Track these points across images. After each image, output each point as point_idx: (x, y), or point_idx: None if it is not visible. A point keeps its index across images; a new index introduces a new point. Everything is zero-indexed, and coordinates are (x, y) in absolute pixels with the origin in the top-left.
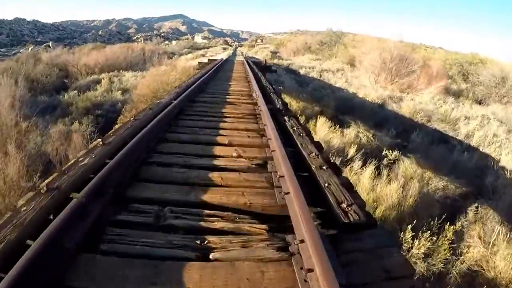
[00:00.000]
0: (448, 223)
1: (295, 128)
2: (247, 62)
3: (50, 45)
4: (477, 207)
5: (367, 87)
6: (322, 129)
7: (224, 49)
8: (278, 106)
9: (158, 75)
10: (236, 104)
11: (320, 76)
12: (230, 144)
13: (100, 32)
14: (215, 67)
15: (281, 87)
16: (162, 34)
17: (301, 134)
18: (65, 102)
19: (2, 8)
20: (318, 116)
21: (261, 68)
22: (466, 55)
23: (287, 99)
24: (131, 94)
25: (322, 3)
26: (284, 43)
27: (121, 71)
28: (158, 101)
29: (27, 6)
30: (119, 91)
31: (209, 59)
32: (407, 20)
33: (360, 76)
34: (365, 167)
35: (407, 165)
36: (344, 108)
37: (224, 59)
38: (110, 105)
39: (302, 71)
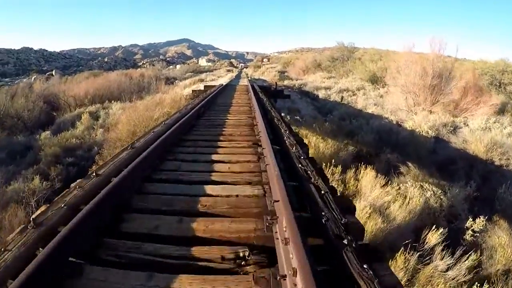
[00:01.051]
0: None
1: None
2: (253, 87)
3: (53, 74)
4: None
5: (404, 110)
6: (369, 185)
7: (228, 71)
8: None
9: (141, 109)
10: (228, 173)
11: (342, 99)
12: None
13: (106, 59)
14: (205, 101)
15: (299, 117)
16: (168, 59)
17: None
18: (39, 145)
19: (11, 37)
20: (361, 165)
21: (270, 94)
22: (496, 63)
23: (308, 136)
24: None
25: (323, 20)
26: (292, 62)
27: (112, 101)
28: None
29: (35, 35)
30: (102, 129)
31: (205, 86)
32: (408, 30)
33: (390, 95)
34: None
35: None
36: (386, 144)
37: (223, 84)
38: (85, 149)
39: (319, 94)
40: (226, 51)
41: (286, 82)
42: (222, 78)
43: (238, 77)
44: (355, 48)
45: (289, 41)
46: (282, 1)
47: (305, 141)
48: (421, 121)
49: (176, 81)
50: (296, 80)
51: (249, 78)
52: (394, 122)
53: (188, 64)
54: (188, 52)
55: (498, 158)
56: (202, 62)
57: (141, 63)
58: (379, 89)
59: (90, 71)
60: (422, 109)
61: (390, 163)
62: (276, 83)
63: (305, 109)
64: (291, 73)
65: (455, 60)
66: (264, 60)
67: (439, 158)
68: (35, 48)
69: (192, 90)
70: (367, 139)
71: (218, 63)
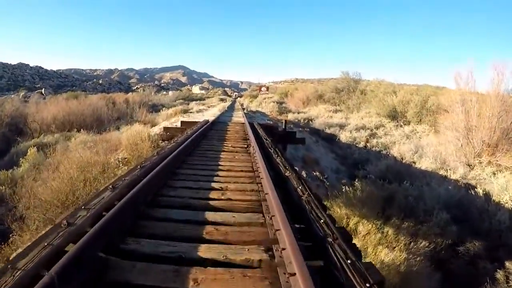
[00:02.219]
0: None
1: None
2: (252, 127)
3: (43, 92)
4: None
5: (456, 160)
6: None
7: (222, 100)
8: None
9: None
10: None
11: (367, 143)
12: None
13: (100, 81)
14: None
15: (318, 173)
16: (162, 84)
17: None
18: None
19: (8, 51)
20: None
21: (278, 137)
22: None
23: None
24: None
25: (318, 52)
26: (290, 92)
27: (81, 130)
28: None
29: (33, 51)
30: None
31: (183, 123)
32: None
33: (426, 137)
34: None
35: None
36: (473, 231)
37: (210, 121)
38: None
39: (338, 134)
40: (221, 80)
41: (290, 116)
42: (212, 109)
43: (231, 108)
44: (360, 80)
45: (283, 71)
46: (277, 32)
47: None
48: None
49: (164, 109)
50: (298, 113)
51: (245, 111)
52: (462, 184)
53: (181, 90)
54: (183, 79)
55: None
56: (195, 89)
57: (135, 87)
58: (401, 126)
59: (72, 92)
60: (488, 162)
61: None
62: (285, 121)
63: (325, 159)
64: (290, 104)
65: None
66: (263, 89)
67: None
68: (31, 64)
69: (164, 128)
70: (438, 220)
71: (211, 91)
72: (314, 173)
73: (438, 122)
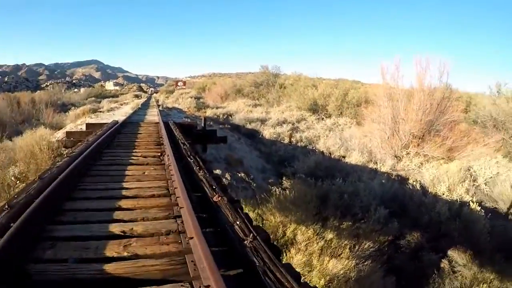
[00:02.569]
0: None
1: None
2: (167, 128)
3: None
4: None
5: (382, 151)
6: None
7: (136, 96)
8: None
9: None
10: None
11: (291, 138)
12: None
13: (6, 79)
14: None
15: (243, 174)
16: (74, 81)
17: None
18: None
19: None
20: None
21: (196, 137)
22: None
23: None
24: None
25: (235, 46)
26: (207, 87)
27: None
28: None
29: None
30: None
31: (88, 125)
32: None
33: (349, 130)
34: None
35: None
36: (415, 224)
37: (119, 122)
38: None
39: (259, 129)
40: (137, 75)
41: (209, 112)
42: (125, 107)
43: (146, 105)
44: (279, 74)
45: (201, 66)
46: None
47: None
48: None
49: (73, 108)
50: (217, 109)
51: (161, 108)
52: (394, 177)
53: (94, 87)
54: (97, 75)
55: None
56: (109, 85)
57: (44, 85)
58: (323, 119)
59: None
60: (415, 153)
61: None
62: (204, 119)
63: (249, 158)
64: (207, 99)
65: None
66: (179, 84)
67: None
68: None
69: (67, 133)
70: (377, 216)
71: (126, 87)
72: (239, 175)
73: (359, 114)
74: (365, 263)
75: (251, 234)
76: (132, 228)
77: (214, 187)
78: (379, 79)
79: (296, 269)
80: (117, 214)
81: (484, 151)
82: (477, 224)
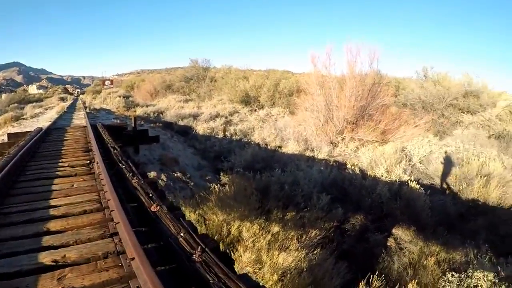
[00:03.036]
0: None
1: None
2: (96, 131)
3: None
4: None
5: (318, 139)
6: None
7: (62, 99)
8: None
9: None
10: None
11: (226, 132)
12: None
13: None
14: None
15: (179, 173)
16: None
17: None
18: None
19: None
20: None
21: (127, 139)
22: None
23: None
24: None
25: (164, 41)
26: (136, 84)
27: None
28: None
29: None
30: None
31: (10, 135)
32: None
33: (283, 119)
34: None
35: None
36: (358, 208)
37: (44, 129)
38: None
39: (192, 125)
40: (61, 76)
41: (139, 111)
42: (50, 111)
43: (72, 108)
44: (209, 67)
45: (128, 63)
46: (120, 23)
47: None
48: (382, 158)
49: None
50: (147, 107)
51: (88, 110)
52: (332, 163)
53: (16, 92)
54: (19, 78)
55: None
56: (33, 89)
57: None
58: (256, 111)
59: None
60: (350, 138)
61: None
62: (134, 118)
63: (184, 155)
64: (137, 97)
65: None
66: (107, 83)
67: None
68: None
69: None
70: (320, 203)
71: (51, 89)
72: (175, 174)
73: (292, 104)
74: (315, 252)
75: (199, 247)
76: (64, 255)
77: (150, 195)
78: (309, 68)
79: (247, 268)
80: (47, 240)
81: (416, 131)
82: (418, 201)
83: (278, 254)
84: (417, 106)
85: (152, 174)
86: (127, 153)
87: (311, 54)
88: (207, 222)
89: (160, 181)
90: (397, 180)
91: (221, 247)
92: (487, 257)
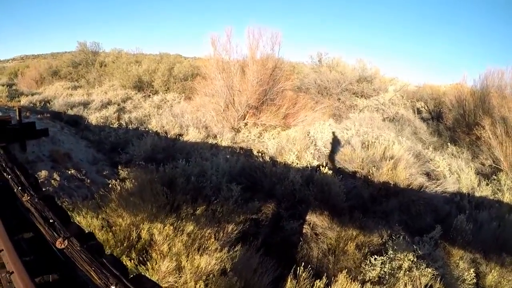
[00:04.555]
0: None
1: None
2: None
3: None
4: None
5: (218, 125)
6: None
7: None
8: None
9: None
10: None
11: (120, 120)
12: None
13: None
14: None
15: (73, 170)
16: None
17: None
18: None
19: None
20: None
21: (14, 135)
22: None
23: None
24: None
25: (50, 23)
26: (21, 71)
27: None
28: None
29: None
30: None
31: None
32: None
33: (179, 104)
34: None
35: None
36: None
37: None
38: None
39: (81, 114)
40: None
41: (24, 100)
42: None
43: None
44: (99, 51)
45: (10, 48)
46: None
47: None
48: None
49: None
50: (33, 95)
51: None
52: (238, 150)
53: None
54: None
55: None
56: None
57: None
58: (149, 96)
59: None
60: (253, 123)
61: None
62: (19, 110)
63: (77, 149)
64: (21, 85)
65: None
66: None
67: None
68: None
69: None
70: (232, 195)
71: None
72: (69, 172)
73: (187, 89)
74: (236, 249)
75: None
76: None
77: (51, 220)
78: (208, 51)
79: (169, 279)
80: None
81: (317, 116)
82: (333, 187)
83: (200, 257)
84: (313, 91)
85: (43, 173)
86: (13, 156)
87: (211, 36)
88: (114, 228)
89: (52, 181)
90: (308, 165)
91: (133, 254)
92: (400, 237)
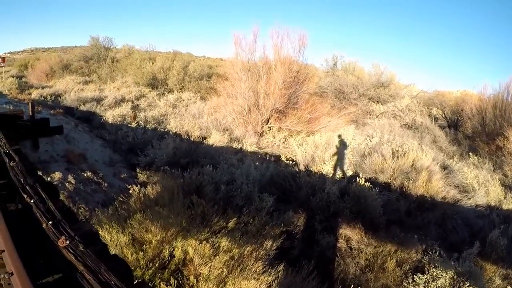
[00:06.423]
0: None
1: None
2: None
3: None
4: None
5: (238, 129)
6: None
7: None
8: None
9: None
10: None
11: (135, 118)
12: None
13: None
14: None
15: (89, 173)
16: None
17: None
18: None
19: None
20: None
21: (26, 132)
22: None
23: None
24: None
25: (61, 16)
26: (31, 64)
27: None
28: None
29: None
30: None
31: None
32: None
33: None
34: None
35: None
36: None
37: None
38: None
39: (85, 108)
40: None
41: (34, 93)
42: None
43: None
44: (111, 47)
45: (21, 40)
46: None
47: None
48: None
49: None
50: (43, 89)
51: None
52: (265, 156)
53: None
54: None
55: None
56: None
57: None
58: (164, 95)
59: None
60: (278, 128)
61: None
62: (32, 105)
63: (92, 149)
64: (31, 78)
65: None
66: None
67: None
68: None
69: None
70: (265, 206)
71: None
72: (85, 174)
73: (203, 88)
74: (278, 270)
75: None
76: None
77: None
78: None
79: None
80: None
81: (340, 122)
82: (369, 199)
83: (248, 282)
84: (330, 95)
85: (57, 175)
86: (32, 165)
87: (235, 36)
88: (144, 247)
89: (67, 184)
90: (344, 176)
91: (166, 275)
92: (436, 252)
